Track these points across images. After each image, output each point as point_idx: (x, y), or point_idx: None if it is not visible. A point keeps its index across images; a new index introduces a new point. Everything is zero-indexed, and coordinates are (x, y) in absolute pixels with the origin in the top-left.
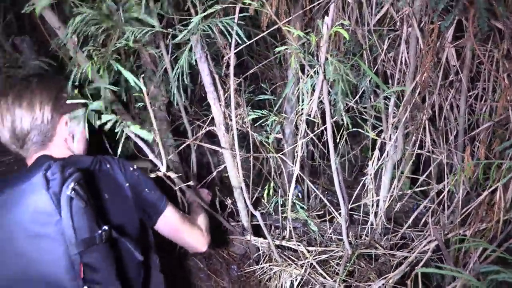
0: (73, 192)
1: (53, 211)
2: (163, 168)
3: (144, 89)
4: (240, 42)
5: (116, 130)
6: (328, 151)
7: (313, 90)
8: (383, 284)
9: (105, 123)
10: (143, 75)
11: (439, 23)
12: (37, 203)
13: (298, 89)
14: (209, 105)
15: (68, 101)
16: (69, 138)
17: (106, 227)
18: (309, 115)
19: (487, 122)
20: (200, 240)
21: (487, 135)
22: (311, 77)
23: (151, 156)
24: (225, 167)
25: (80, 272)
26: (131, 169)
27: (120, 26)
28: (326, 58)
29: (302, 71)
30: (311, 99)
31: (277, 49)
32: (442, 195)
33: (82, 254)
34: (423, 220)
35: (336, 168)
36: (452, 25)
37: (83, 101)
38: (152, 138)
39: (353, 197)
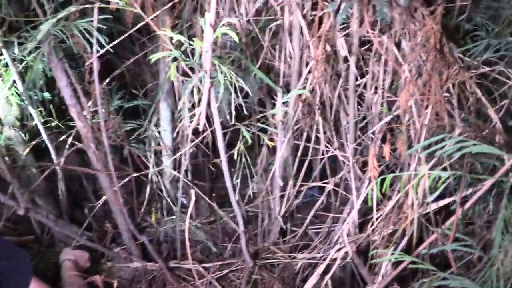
0: None
1: None
2: (21, 211)
3: None
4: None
5: None
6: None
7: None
8: None
9: None
10: None
11: (327, 11)
12: None
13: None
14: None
15: None
16: None
17: None
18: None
19: (386, 116)
20: None
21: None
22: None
23: (2, 199)
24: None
25: None
26: None
27: None
28: (213, 64)
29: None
30: (195, 110)
31: (153, 57)
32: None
33: None
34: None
35: (232, 185)
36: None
37: None
38: None
39: (247, 196)
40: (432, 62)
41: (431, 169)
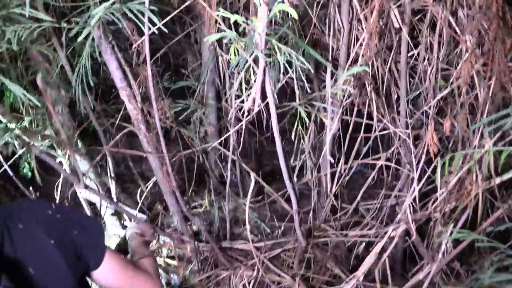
0: None
1: None
2: (80, 186)
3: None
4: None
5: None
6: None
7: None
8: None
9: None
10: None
11: None
12: None
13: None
14: (117, 97)
15: None
16: None
17: None
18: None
19: (444, 89)
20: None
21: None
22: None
23: (64, 174)
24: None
25: None
26: (50, 212)
27: None
28: (267, 43)
29: (219, 44)
30: (250, 90)
31: (209, 38)
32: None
33: None
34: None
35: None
36: None
37: None
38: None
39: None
40: (494, 30)
41: (495, 143)
